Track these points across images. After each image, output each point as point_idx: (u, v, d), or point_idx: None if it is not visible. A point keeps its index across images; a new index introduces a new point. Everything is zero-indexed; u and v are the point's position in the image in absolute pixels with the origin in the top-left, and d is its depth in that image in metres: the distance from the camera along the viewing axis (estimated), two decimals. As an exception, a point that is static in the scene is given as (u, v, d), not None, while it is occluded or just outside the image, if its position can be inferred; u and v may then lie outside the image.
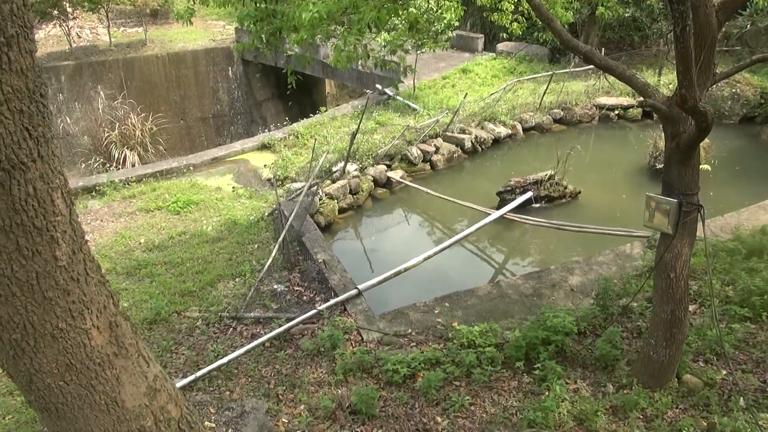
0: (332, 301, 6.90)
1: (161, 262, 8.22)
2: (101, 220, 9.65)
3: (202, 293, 7.38)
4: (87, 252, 3.06)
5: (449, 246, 8.41)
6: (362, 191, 11.16)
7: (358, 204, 11.09)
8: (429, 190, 10.77)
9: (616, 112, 14.76)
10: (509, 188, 10.49)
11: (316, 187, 9.70)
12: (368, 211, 11.15)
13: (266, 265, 7.68)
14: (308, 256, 8.15)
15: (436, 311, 6.73)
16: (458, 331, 6.07)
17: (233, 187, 11.10)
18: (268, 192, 10.77)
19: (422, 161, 12.35)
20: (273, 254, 7.82)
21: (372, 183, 11.49)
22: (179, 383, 5.49)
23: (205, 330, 6.64)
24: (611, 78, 13.37)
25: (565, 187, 10.70)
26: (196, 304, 7.12)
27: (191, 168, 12.00)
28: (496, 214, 9.22)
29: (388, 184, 11.76)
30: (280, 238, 8.08)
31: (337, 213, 10.50)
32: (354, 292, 7.04)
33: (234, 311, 6.96)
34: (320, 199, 10.20)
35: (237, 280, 7.69)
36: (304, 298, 7.37)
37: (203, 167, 12.12)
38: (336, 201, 10.54)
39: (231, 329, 6.63)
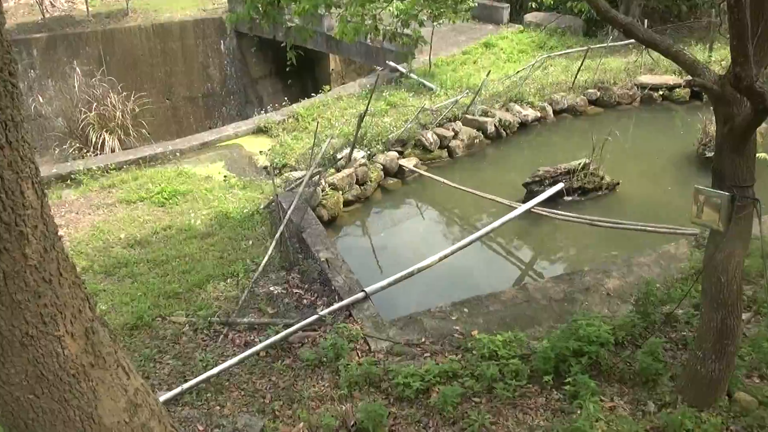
0: (336, 306, 6.91)
1: (144, 260, 8.26)
2: (77, 213, 9.67)
3: (189, 295, 7.44)
4: (60, 249, 3.07)
5: (469, 244, 8.40)
6: (370, 181, 11.16)
7: (365, 196, 11.05)
8: (446, 181, 10.71)
9: (661, 92, 14.63)
10: (538, 179, 10.46)
11: (318, 176, 9.65)
12: (377, 204, 11.10)
13: (262, 265, 7.69)
14: (309, 255, 8.13)
15: (453, 318, 6.76)
16: (478, 340, 6.08)
17: (225, 176, 11.09)
18: (264, 182, 10.70)
19: (439, 148, 12.34)
20: (269, 252, 7.84)
21: (381, 172, 11.51)
22: (163, 397, 5.51)
23: (193, 337, 6.69)
24: (655, 54, 13.51)
25: (602, 178, 10.65)
26: (182, 308, 7.18)
27: (178, 154, 12.01)
28: (522, 208, 9.22)
29: (399, 173, 11.75)
30: (278, 234, 8.06)
31: (341, 206, 10.47)
32: (360, 295, 7.04)
33: (225, 316, 7.00)
34: (323, 190, 10.16)
35: (229, 280, 7.74)
36: (304, 301, 7.37)
37: (191, 153, 12.13)
38: (341, 192, 10.48)
39: (222, 336, 6.66)
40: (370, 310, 6.95)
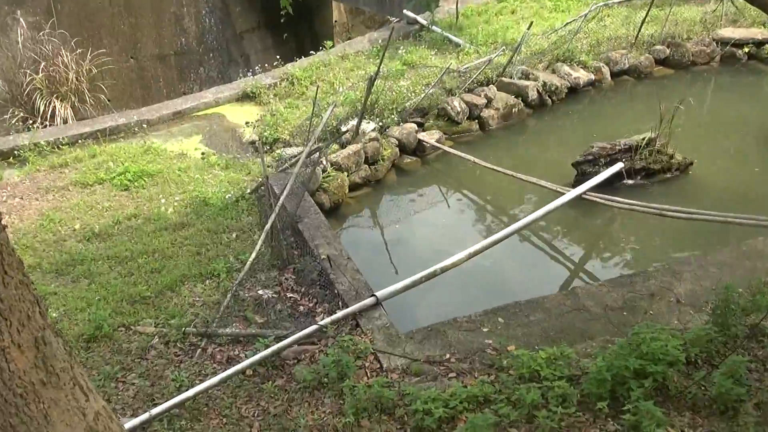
0: (340, 314, 6.96)
1: (103, 256, 8.31)
2: (21, 198, 9.75)
3: (159, 300, 7.48)
4: (5, 241, 3.08)
5: (504, 238, 8.41)
6: (383, 160, 11.22)
7: (376, 178, 11.13)
8: (477, 160, 10.77)
9: (746, 49, 14.55)
10: (591, 158, 10.51)
11: (318, 153, 9.66)
12: (391, 188, 11.22)
13: (248, 263, 7.76)
14: (306, 251, 8.21)
15: (485, 329, 6.82)
16: (516, 357, 6.11)
17: (203, 153, 11.20)
18: (252, 160, 10.80)
19: (467, 118, 12.40)
20: (258, 247, 7.89)
21: (396, 149, 11.56)
22: (128, 424, 5.55)
23: (164, 351, 6.74)
24: (739, 1, 13.26)
25: (671, 157, 10.68)
26: (150, 316, 7.23)
27: (145, 126, 12.08)
28: (571, 194, 9.26)
29: (419, 150, 11.79)
30: (268, 225, 8.09)
31: (347, 190, 10.55)
32: (370, 301, 7.09)
33: (203, 326, 7.05)
34: (324, 171, 10.23)
35: (208, 282, 7.81)
36: (301, 308, 7.42)
37: (162, 125, 12.18)
38: (346, 174, 10.55)
39: (199, 351, 6.72)
40: (382, 319, 6.98)
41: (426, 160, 11.71)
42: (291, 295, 7.65)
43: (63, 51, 15.10)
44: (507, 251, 9.07)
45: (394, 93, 12.30)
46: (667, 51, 14.55)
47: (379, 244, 9.99)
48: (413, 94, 12.30)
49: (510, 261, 9.16)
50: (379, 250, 9.81)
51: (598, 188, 9.61)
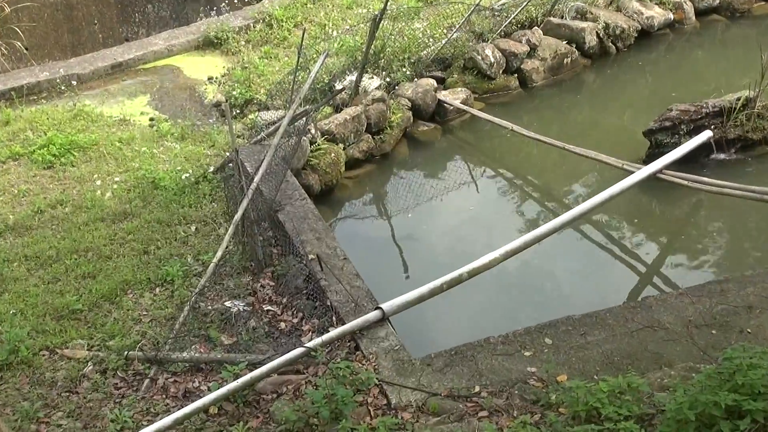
0: (333, 332, 7.01)
1: (20, 256, 8.32)
2: None
3: (94, 315, 7.49)
4: None
5: (553, 232, 8.46)
6: (390, 128, 11.28)
7: (382, 151, 11.24)
8: (515, 127, 10.83)
9: None
10: (669, 124, 10.48)
11: (305, 120, 9.48)
12: (401, 165, 11.34)
13: (212, 265, 7.81)
14: (289, 249, 8.29)
15: (526, 353, 6.83)
16: (569, 391, 6.01)
17: (152, 119, 11.30)
18: (217, 128, 10.95)
19: (504, 72, 12.49)
20: (224, 244, 7.92)
21: (409, 112, 11.62)
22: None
23: (101, 382, 6.72)
24: None
25: (776, 124, 11.34)
26: (83, 335, 7.21)
27: (75, 83, 12.14)
28: (642, 173, 9.29)
29: (438, 114, 11.87)
30: (238, 215, 8.05)
31: (343, 168, 10.64)
32: (374, 315, 7.15)
33: (152, 349, 7.08)
34: (313, 143, 10.33)
35: (158, 291, 7.87)
36: (282, 325, 7.49)
37: (96, 81, 12.19)
38: (342, 146, 10.66)
39: (147, 381, 6.72)
40: (390, 339, 7.02)
41: (448, 127, 11.71)
42: (269, 307, 7.71)
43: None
44: (556, 249, 9.14)
45: (405, 38, 12.26)
46: (772, -19, 15.27)
47: (385, 239, 10.05)
48: (431, 40, 12.38)
49: (560, 262, 9.23)
50: (386, 247, 9.88)
51: (679, 165, 9.59)
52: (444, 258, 8.92)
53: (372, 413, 6.21)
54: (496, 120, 11.15)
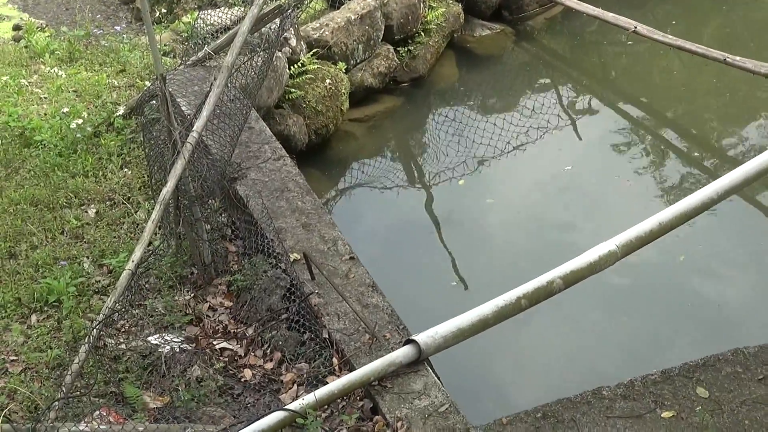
0: (335, 384, 6.37)
1: None
2: None
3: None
4: None
5: (707, 207, 7.96)
6: (427, 34, 11.52)
7: (413, 74, 11.46)
8: (641, 26, 10.99)
9: None
10: None
11: (279, 22, 9.08)
12: (445, 96, 11.51)
13: (125, 274, 6.93)
14: (257, 243, 7.75)
15: (665, 413, 6.46)
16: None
17: (17, 27, 11.44)
18: (128, 40, 11.04)
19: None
20: (146, 239, 7.03)
21: (458, 5, 12.05)
22: None
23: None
24: None
25: None
26: None
27: None
28: None
29: (507, 6, 12.55)
30: (167, 189, 7.13)
31: (346, 104, 10.66)
32: (404, 354, 6.52)
33: (29, 418, 6.55)
34: (295, 62, 10.22)
35: (36, 318, 7.33)
36: (246, 373, 6.99)
37: None
38: (344, 66, 10.66)
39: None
40: (432, 394, 6.45)
41: (524, 29, 12.24)
42: (223, 344, 7.18)
43: None
44: (710, 235, 8.95)
45: None
46: None
47: (419, 224, 9.76)
48: None
49: (717, 256, 8.84)
50: (421, 238, 9.54)
51: None
52: (521, 254, 8.67)
53: None
54: (609, 16, 11.03)
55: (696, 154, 10.51)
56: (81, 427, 6.38)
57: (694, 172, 10.18)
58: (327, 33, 10.43)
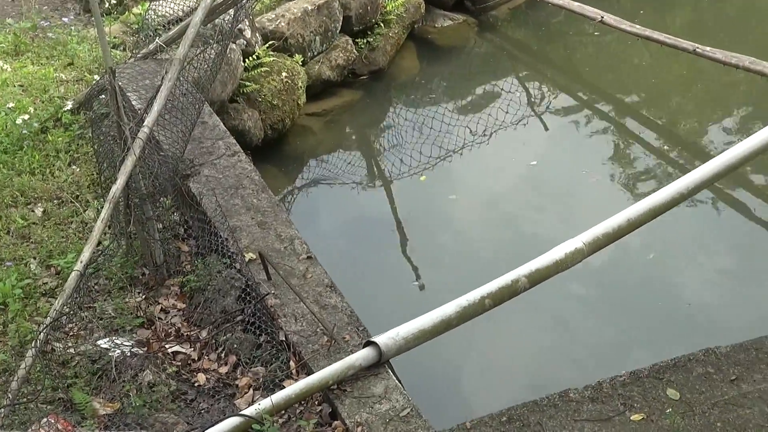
0: (292, 389, 6.42)
1: None
2: None
3: None
4: None
5: (678, 202, 8.10)
6: (386, 24, 11.60)
7: (373, 66, 11.58)
8: (608, 16, 11.23)
9: None
10: None
11: (233, 13, 9.17)
12: (406, 88, 11.67)
13: (74, 275, 6.93)
14: (211, 243, 7.78)
15: (634, 416, 6.54)
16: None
17: None
18: (76, 33, 10.99)
19: None
20: (95, 238, 7.00)
21: None
22: None
23: None
24: None
25: None
26: None
27: None
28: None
29: None
30: (117, 187, 7.09)
31: (303, 98, 10.70)
32: (363, 356, 6.60)
33: None
34: (249, 54, 10.26)
35: None
36: (200, 378, 7.01)
37: None
38: (300, 58, 10.75)
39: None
40: (393, 398, 6.53)
41: (487, 20, 12.29)
42: (176, 348, 7.22)
43: None
44: (680, 230, 9.08)
45: None
46: None
47: (379, 221, 9.84)
48: None
49: (688, 252, 9.07)
50: (382, 236, 9.63)
51: None
52: (485, 252, 8.76)
53: None
54: (575, 5, 11.21)
55: (666, 147, 10.62)
56: (29, 439, 5.95)
57: (664, 166, 10.32)
58: (283, 24, 10.44)
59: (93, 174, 8.80)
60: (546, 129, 11.01)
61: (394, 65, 11.12)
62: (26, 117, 9.36)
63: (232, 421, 6.42)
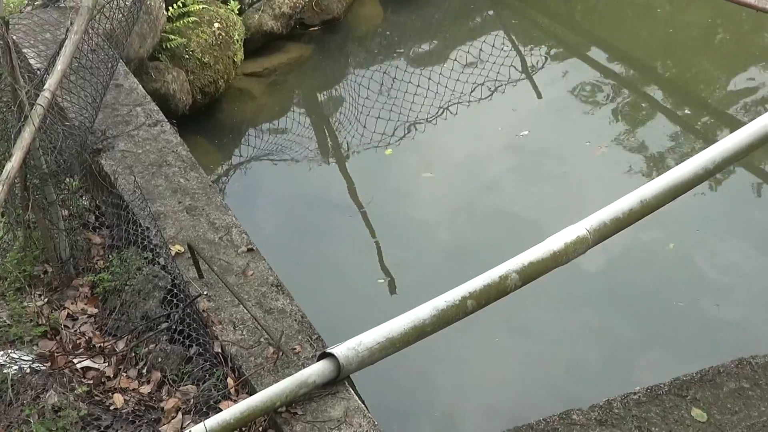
0: (229, 412, 6.32)
1: None
2: None
3: None
4: None
5: (702, 179, 7.96)
6: None
7: (325, 16, 11.71)
8: None
9: None
10: None
11: None
12: (366, 43, 12.06)
13: None
14: (128, 233, 7.53)
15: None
16: None
17: None
18: None
19: None
20: None
21: None
22: None
23: None
24: None
25: None
26: None
27: None
28: None
29: None
30: (12, 165, 6.93)
31: (240, 54, 10.68)
32: (317, 372, 6.47)
33: None
34: (173, 1, 10.05)
35: None
36: (116, 399, 6.89)
37: None
38: (234, 7, 10.67)
39: None
40: (356, 422, 6.49)
41: None
42: (87, 363, 7.00)
43: None
44: (704, 215, 9.09)
45: None
46: None
47: (336, 207, 9.77)
48: None
49: (714, 243, 8.96)
50: (338, 224, 9.52)
51: None
52: (466, 243, 8.64)
53: None
54: None
55: (687, 112, 10.40)
56: None
57: (685, 135, 10.15)
58: (220, -36, 9.50)
59: (-22, 157, 8.02)
60: (539, 94, 10.93)
61: (352, 14, 11.12)
62: None
63: (145, 454, 5.59)
